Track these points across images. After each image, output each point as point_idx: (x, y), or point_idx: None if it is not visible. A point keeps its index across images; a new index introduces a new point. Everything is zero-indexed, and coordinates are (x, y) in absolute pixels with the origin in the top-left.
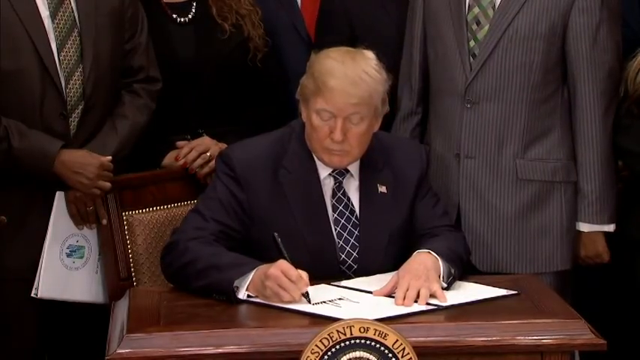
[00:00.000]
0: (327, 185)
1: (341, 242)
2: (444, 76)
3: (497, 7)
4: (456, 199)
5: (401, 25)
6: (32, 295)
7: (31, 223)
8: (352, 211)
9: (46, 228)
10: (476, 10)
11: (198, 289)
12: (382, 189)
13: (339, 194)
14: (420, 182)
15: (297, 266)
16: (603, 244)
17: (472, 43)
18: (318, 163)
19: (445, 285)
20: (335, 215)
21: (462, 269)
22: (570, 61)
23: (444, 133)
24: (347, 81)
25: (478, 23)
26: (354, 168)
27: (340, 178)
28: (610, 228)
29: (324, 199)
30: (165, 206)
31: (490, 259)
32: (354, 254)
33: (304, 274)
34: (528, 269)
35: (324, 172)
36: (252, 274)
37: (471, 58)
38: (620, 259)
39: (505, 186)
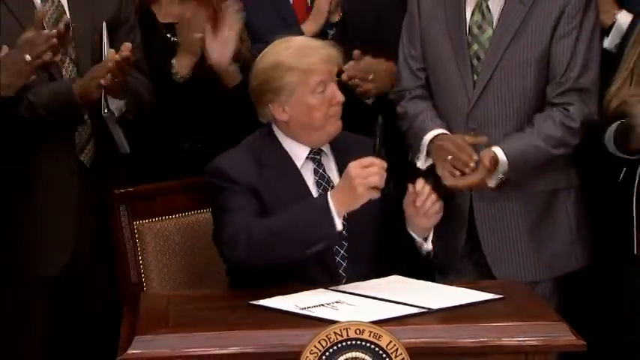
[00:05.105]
0: (309, 168)
1: None
2: (447, 104)
3: (491, 40)
4: (466, 220)
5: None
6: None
7: (53, 221)
8: (333, 187)
9: (63, 228)
10: (475, 46)
11: (292, 253)
12: None
13: (320, 171)
14: None
15: None
16: None
17: (475, 76)
18: (292, 153)
19: None
20: (320, 191)
21: None
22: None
23: None
24: (318, 47)
25: (478, 58)
26: (325, 147)
27: (318, 157)
28: None
29: (305, 183)
30: (174, 216)
31: (511, 271)
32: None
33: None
34: (547, 275)
35: (300, 159)
36: (330, 203)
37: (472, 90)
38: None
39: (514, 202)
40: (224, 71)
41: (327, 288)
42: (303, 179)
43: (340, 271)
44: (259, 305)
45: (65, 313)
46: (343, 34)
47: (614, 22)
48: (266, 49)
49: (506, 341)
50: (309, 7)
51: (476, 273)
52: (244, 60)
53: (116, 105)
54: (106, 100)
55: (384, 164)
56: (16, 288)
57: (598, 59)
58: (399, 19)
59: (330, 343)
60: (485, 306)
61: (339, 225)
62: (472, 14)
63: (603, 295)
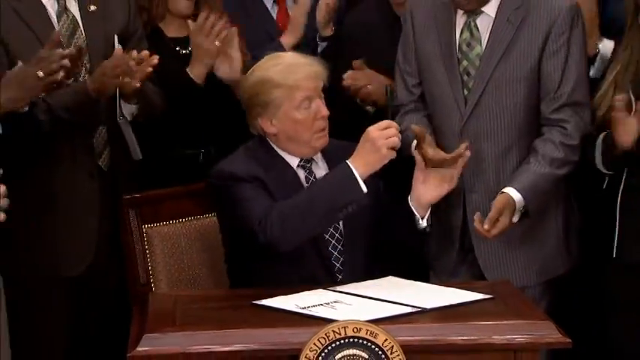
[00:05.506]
0: (301, 175)
1: None
2: (441, 118)
3: (481, 58)
4: (458, 229)
5: None
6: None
7: (77, 224)
8: None
9: (87, 228)
10: (465, 63)
11: (324, 221)
12: None
13: (311, 179)
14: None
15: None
16: None
17: (466, 91)
18: (286, 158)
19: None
20: None
21: None
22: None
23: None
24: (305, 64)
25: (468, 74)
26: (316, 156)
27: (308, 165)
28: None
29: (303, 187)
30: (181, 220)
31: (502, 276)
32: (339, 227)
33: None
34: (537, 279)
35: (293, 166)
36: (352, 168)
37: (464, 106)
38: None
39: None
40: (234, 84)
41: (325, 288)
42: (301, 183)
43: (336, 270)
44: (261, 305)
45: (82, 312)
46: (335, 48)
47: (597, 52)
48: (257, 64)
49: (496, 339)
50: None
51: (469, 275)
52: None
53: (128, 109)
54: (120, 107)
55: (398, 126)
56: (43, 287)
57: (587, 73)
58: (389, 31)
59: (329, 341)
60: (476, 306)
61: (364, 187)
62: (461, 32)
63: (591, 296)
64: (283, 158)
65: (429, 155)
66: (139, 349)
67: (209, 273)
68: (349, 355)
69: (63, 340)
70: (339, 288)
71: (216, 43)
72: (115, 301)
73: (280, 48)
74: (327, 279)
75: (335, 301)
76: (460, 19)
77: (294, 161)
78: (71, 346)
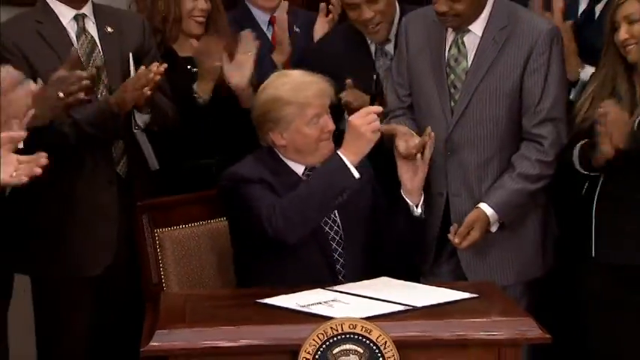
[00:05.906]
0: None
1: (329, 222)
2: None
3: (467, 72)
4: (438, 231)
5: None
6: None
7: (97, 227)
8: None
9: (106, 232)
10: (452, 76)
11: (323, 208)
12: None
13: None
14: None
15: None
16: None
17: (452, 103)
18: (292, 167)
19: None
20: None
21: None
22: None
23: (430, 175)
24: (313, 82)
25: (455, 87)
26: (318, 165)
27: (311, 173)
28: None
29: None
30: (190, 224)
31: (483, 276)
32: (337, 227)
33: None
34: (515, 280)
35: (299, 174)
36: (343, 157)
37: (451, 116)
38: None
39: None
40: (241, 92)
41: (324, 288)
42: None
43: (337, 270)
44: (265, 303)
45: (103, 309)
46: None
47: (579, 79)
48: (266, 82)
49: (482, 335)
50: None
51: (453, 275)
52: (252, 85)
53: (142, 119)
54: (134, 118)
55: (379, 109)
56: (66, 286)
57: (566, 89)
58: (357, 60)
59: (327, 336)
60: (462, 304)
61: (356, 173)
62: (450, 48)
63: (569, 296)
64: (289, 166)
65: (400, 149)
66: (152, 344)
67: (216, 273)
68: (346, 350)
69: (85, 335)
70: (336, 288)
71: (217, 63)
72: (132, 300)
73: (273, 64)
74: (329, 279)
75: (333, 300)
76: (449, 37)
77: (299, 169)
78: (92, 341)
